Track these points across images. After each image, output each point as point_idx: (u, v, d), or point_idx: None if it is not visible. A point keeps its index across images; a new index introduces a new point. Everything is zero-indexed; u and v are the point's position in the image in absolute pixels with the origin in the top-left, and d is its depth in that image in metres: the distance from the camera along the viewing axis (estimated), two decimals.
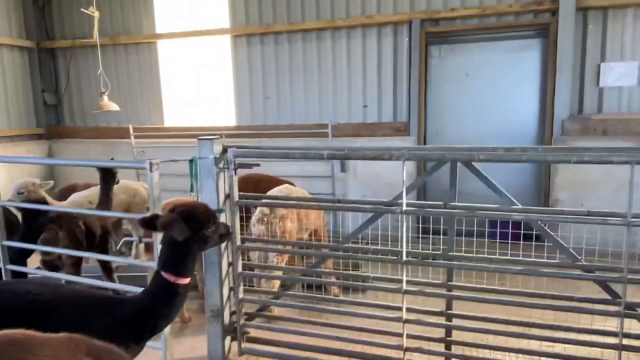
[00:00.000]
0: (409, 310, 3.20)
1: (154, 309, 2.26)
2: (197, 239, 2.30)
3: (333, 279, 4.19)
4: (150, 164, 3.17)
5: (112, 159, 5.18)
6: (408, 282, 3.20)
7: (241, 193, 3.62)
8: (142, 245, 5.17)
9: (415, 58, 6.87)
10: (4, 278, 3.95)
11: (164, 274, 2.28)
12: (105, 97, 7.02)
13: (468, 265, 3.07)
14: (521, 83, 6.75)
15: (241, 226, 4.51)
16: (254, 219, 4.31)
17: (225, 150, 3.50)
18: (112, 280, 4.35)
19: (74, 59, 8.72)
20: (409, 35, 6.92)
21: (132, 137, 7.83)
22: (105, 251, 4.48)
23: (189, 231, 2.25)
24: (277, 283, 4.14)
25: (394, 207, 3.20)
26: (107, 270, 4.44)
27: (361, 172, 7.08)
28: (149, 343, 3.45)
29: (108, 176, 4.98)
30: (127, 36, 8.28)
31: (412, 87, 6.94)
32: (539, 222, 2.95)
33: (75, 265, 4.15)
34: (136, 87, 8.47)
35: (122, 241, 5.42)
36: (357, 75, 7.29)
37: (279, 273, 4.22)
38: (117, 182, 5.32)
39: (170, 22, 8.11)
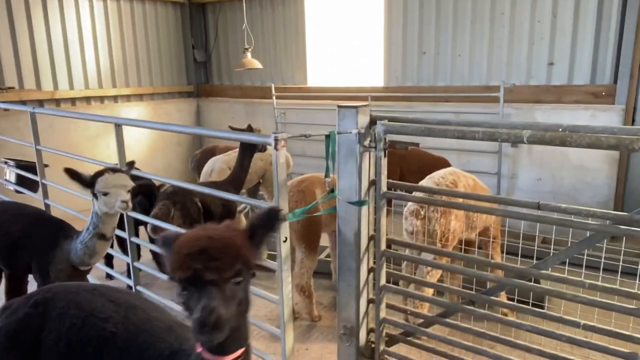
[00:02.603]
0: None
1: None
2: None
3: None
4: (276, 140, 2.40)
5: (229, 126, 4.57)
6: None
7: (390, 181, 2.66)
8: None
9: None
10: (129, 251, 3.69)
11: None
12: (249, 54, 6.56)
13: None
14: None
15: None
16: (406, 210, 3.36)
17: (373, 122, 2.57)
18: None
19: (222, 14, 8.46)
20: None
21: (274, 98, 7.36)
22: None
23: None
24: (427, 305, 3.18)
25: (635, 229, 1.98)
26: None
27: (539, 148, 5.57)
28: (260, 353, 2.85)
29: (247, 144, 4.42)
30: None
31: (625, 37, 5.15)
32: None
33: None
34: (281, 43, 7.91)
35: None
36: (544, 23, 5.68)
37: (431, 290, 3.23)
38: (264, 150, 4.68)
39: None
